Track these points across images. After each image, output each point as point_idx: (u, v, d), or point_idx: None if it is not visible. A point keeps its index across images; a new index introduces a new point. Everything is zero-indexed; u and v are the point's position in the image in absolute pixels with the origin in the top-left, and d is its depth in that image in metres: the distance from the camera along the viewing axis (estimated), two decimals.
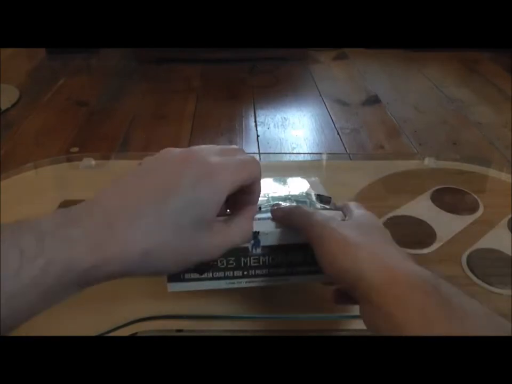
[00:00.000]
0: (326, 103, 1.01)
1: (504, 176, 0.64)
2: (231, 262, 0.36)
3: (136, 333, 0.43)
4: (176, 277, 0.36)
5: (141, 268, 0.27)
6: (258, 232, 0.35)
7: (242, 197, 0.33)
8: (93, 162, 0.68)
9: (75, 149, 0.80)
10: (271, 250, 0.36)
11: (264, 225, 0.36)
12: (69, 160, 0.70)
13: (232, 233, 0.31)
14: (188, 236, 0.28)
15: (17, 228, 0.24)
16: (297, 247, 0.36)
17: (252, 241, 0.35)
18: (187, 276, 0.36)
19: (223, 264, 0.36)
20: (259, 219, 0.37)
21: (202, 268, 0.36)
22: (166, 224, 0.27)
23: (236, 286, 0.37)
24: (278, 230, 0.36)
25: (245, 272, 0.37)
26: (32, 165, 0.68)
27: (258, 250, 0.36)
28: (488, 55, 1.25)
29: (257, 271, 0.37)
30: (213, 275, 0.36)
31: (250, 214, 0.34)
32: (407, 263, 0.28)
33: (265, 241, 0.36)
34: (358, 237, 0.30)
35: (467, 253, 0.50)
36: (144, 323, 0.43)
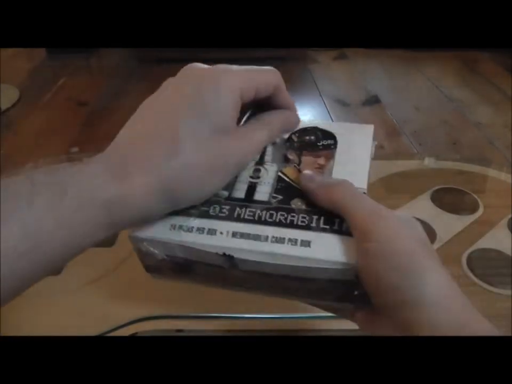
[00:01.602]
0: (326, 103, 1.01)
1: (504, 176, 0.65)
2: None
3: (136, 333, 0.43)
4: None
5: (166, 195, 0.26)
6: (231, 256, 0.28)
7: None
8: None
9: (75, 149, 0.80)
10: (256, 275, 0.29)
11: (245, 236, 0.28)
12: (69, 160, 0.70)
13: (255, 137, 0.29)
14: (206, 148, 0.26)
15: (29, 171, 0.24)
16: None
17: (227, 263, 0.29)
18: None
19: None
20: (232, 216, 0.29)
21: None
22: (182, 142, 0.25)
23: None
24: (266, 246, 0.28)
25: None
26: (32, 165, 0.68)
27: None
28: (488, 55, 1.25)
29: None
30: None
31: (273, 119, 0.31)
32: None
33: (244, 265, 0.28)
34: (424, 253, 0.25)
35: (467, 253, 0.50)
36: (144, 323, 0.43)
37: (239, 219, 0.29)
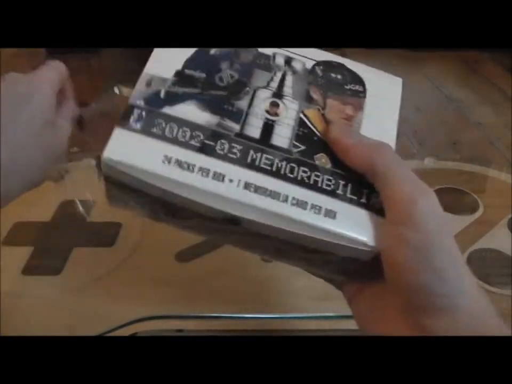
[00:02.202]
0: None
1: (504, 176, 0.64)
2: None
3: (136, 333, 0.43)
4: None
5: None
6: (236, 217, 0.23)
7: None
8: (93, 162, 0.68)
9: (75, 149, 0.80)
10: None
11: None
12: (69, 160, 0.70)
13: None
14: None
15: None
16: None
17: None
18: None
19: None
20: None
21: None
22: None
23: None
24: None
25: None
26: None
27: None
28: (488, 55, 1.25)
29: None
30: None
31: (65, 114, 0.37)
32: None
33: (249, 224, 0.24)
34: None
35: (467, 253, 0.50)
36: (144, 323, 0.43)
37: (253, 166, 0.24)
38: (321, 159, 0.25)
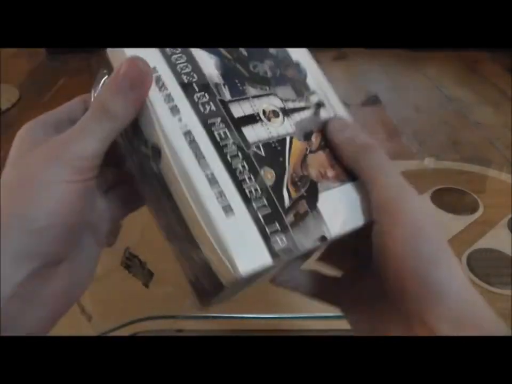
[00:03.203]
0: None
1: (504, 176, 0.65)
2: None
3: (136, 333, 0.43)
4: None
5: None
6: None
7: None
8: None
9: None
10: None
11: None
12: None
13: None
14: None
15: None
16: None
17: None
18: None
19: None
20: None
21: None
22: None
23: None
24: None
25: None
26: None
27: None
28: (488, 55, 1.25)
29: None
30: None
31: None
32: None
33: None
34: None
35: (467, 253, 0.50)
36: (144, 323, 0.43)
37: (210, 133, 0.25)
38: (267, 175, 0.25)
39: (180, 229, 0.24)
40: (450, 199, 0.58)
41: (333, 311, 0.42)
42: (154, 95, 0.24)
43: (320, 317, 0.43)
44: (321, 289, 0.31)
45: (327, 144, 0.28)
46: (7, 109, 0.95)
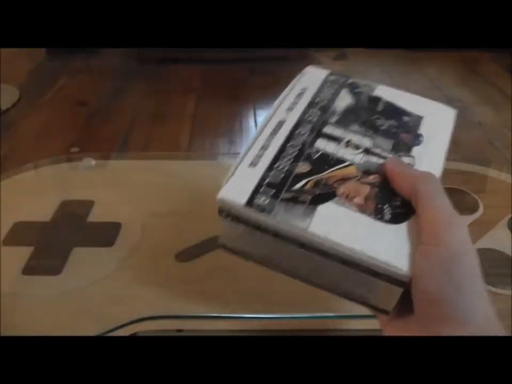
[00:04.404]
0: None
1: (504, 176, 0.65)
2: None
3: (136, 333, 0.43)
4: None
5: None
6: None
7: None
8: (93, 162, 0.68)
9: (75, 149, 0.80)
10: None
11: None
12: (69, 160, 0.70)
13: None
14: None
15: None
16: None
17: None
18: None
19: None
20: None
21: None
22: None
23: None
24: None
25: None
26: (32, 165, 0.68)
27: None
28: (488, 55, 1.25)
29: None
30: None
31: None
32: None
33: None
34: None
35: None
36: (144, 323, 0.43)
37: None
38: (304, 165, 0.28)
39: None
40: (450, 199, 0.58)
41: (333, 311, 0.42)
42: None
43: (321, 317, 0.43)
44: None
45: (377, 183, 0.28)
46: (7, 109, 0.95)
